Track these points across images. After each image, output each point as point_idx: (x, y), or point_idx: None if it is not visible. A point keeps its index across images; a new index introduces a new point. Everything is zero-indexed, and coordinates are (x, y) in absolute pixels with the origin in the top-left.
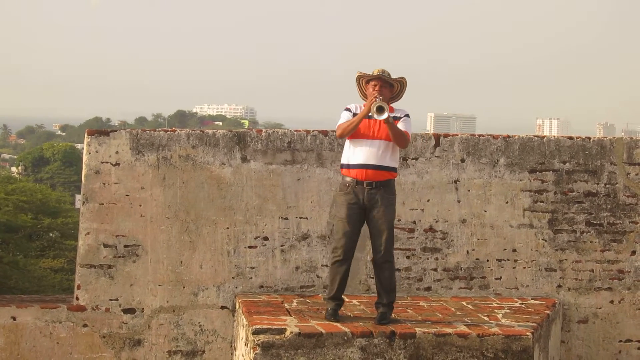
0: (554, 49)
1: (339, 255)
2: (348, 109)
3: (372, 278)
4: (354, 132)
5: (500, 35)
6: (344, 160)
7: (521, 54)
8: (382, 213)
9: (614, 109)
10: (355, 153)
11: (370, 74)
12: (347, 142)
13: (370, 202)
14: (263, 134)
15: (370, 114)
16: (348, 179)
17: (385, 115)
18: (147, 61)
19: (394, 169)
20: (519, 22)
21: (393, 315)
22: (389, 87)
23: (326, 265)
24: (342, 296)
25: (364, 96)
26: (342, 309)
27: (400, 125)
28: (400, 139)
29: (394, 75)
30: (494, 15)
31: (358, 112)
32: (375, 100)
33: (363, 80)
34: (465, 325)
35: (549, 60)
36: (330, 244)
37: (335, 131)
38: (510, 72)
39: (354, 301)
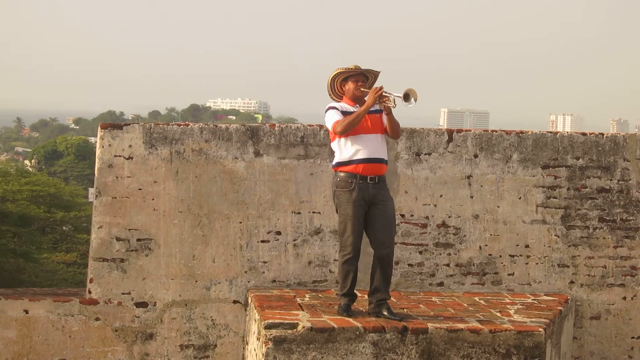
0: (568, 43)
1: (349, 253)
2: (334, 108)
3: None
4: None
5: (513, 30)
6: (344, 157)
7: (535, 49)
8: (387, 206)
9: (627, 105)
10: (356, 149)
11: (349, 69)
12: (342, 140)
13: (375, 197)
14: (276, 128)
15: (377, 107)
16: (350, 174)
17: (412, 102)
18: (161, 55)
19: (387, 163)
20: (533, 14)
21: (405, 310)
22: (365, 82)
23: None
24: (355, 291)
25: (335, 95)
26: (354, 304)
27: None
28: (398, 131)
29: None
30: (506, 5)
31: (345, 110)
32: (382, 91)
33: (339, 79)
34: (477, 321)
35: (563, 55)
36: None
37: (332, 128)
38: (524, 68)
39: (365, 296)
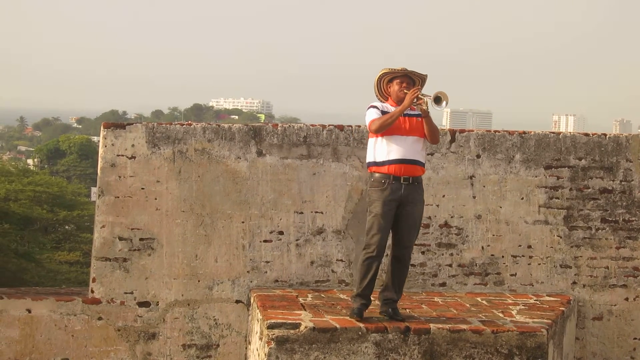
0: (571, 43)
1: (372, 252)
2: (374, 107)
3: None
4: (388, 129)
5: (517, 29)
6: (378, 156)
7: (537, 48)
8: (416, 209)
9: (631, 106)
10: (390, 149)
11: (397, 70)
12: (377, 139)
13: (407, 198)
14: (279, 128)
15: (414, 108)
16: (383, 175)
17: (444, 105)
18: (164, 54)
19: (424, 165)
20: (537, 12)
21: (407, 310)
22: (412, 85)
23: (341, 260)
24: (370, 297)
25: (382, 96)
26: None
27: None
28: (437, 135)
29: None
30: (510, 5)
31: (386, 110)
32: (418, 94)
33: (385, 79)
34: (479, 321)
35: (566, 55)
36: (359, 240)
37: (368, 126)
38: (526, 68)
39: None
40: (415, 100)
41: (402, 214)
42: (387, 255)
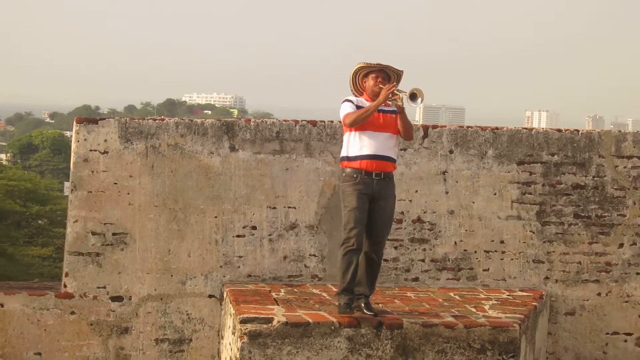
0: (542, 39)
1: (352, 245)
2: (349, 100)
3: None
4: (362, 124)
5: (490, 26)
6: (351, 151)
7: (511, 45)
8: (388, 204)
9: (603, 102)
10: (363, 144)
11: (373, 64)
12: (352, 134)
13: (378, 193)
14: (252, 123)
15: (389, 104)
16: (355, 169)
17: (419, 102)
18: (136, 49)
19: (396, 161)
20: (507, 12)
21: (380, 305)
22: (388, 80)
23: (314, 255)
24: (354, 290)
25: (357, 90)
26: (328, 297)
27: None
28: (411, 132)
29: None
30: (483, 4)
31: (360, 104)
32: (393, 89)
33: (361, 74)
34: (452, 316)
35: (539, 51)
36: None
37: (342, 120)
38: (500, 64)
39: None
40: (390, 95)
41: (375, 209)
42: None
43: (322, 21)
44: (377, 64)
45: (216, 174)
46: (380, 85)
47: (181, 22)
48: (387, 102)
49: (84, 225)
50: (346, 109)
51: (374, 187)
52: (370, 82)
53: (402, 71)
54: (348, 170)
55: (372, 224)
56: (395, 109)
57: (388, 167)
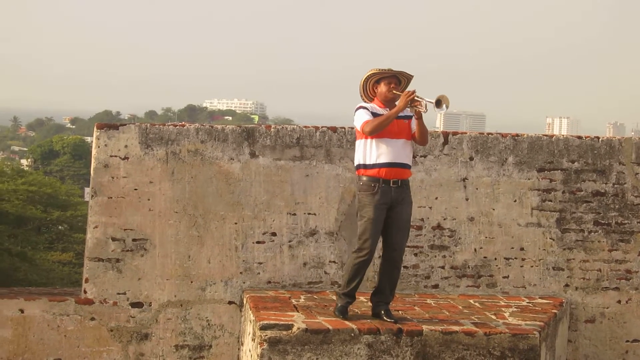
0: (564, 45)
1: (364, 256)
2: (364, 108)
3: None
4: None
5: (511, 32)
6: (368, 159)
7: (532, 50)
8: (405, 211)
9: (624, 109)
10: (380, 152)
11: (383, 70)
12: (366, 141)
13: (396, 200)
14: (272, 129)
15: (407, 112)
16: (373, 178)
17: (444, 108)
18: (158, 55)
19: (411, 167)
20: (529, 14)
21: (400, 312)
22: (399, 86)
23: (334, 262)
24: (355, 295)
25: (367, 97)
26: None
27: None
28: (426, 137)
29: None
30: (503, 7)
31: (375, 111)
32: (414, 96)
33: (372, 80)
34: (472, 323)
35: (560, 58)
36: (352, 243)
37: (360, 128)
38: (521, 70)
39: (361, 298)
40: (410, 102)
41: (392, 217)
42: (378, 257)
43: (339, 26)
44: (389, 70)
45: (236, 180)
46: (395, 92)
47: (203, 29)
48: (407, 108)
49: (104, 231)
50: (363, 116)
51: (392, 195)
52: (383, 88)
53: (412, 76)
54: (365, 178)
55: (390, 231)
56: (410, 114)
57: (405, 174)
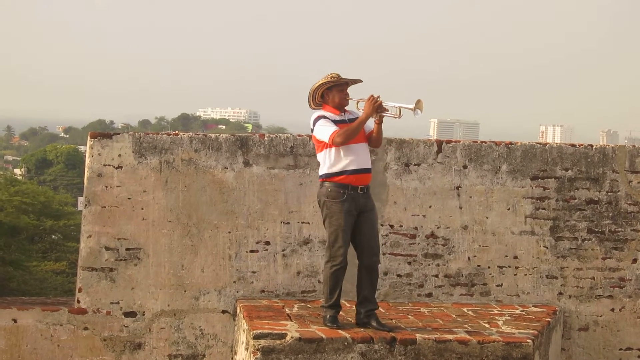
0: (558, 54)
1: (339, 264)
2: (325, 117)
3: None
4: None
5: (504, 41)
6: (335, 167)
7: (525, 59)
8: (374, 215)
9: (618, 117)
10: (348, 159)
11: (332, 76)
12: (332, 150)
13: (365, 206)
14: (266, 138)
15: (373, 116)
16: (342, 185)
17: (418, 113)
18: (151, 64)
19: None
20: (522, 26)
21: (394, 321)
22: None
23: None
24: (340, 302)
25: (314, 104)
26: (341, 313)
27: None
28: (381, 140)
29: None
30: (497, 19)
31: (333, 119)
32: (380, 102)
33: (323, 88)
34: (465, 331)
35: (553, 66)
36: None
37: (329, 139)
38: (514, 79)
39: (354, 307)
40: (376, 109)
41: (362, 222)
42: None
43: (333, 34)
44: (336, 75)
45: (230, 189)
46: (357, 99)
47: (198, 38)
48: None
49: (98, 240)
50: (330, 127)
51: (360, 201)
52: (336, 95)
53: (361, 80)
54: (332, 185)
55: (364, 238)
56: (377, 120)
57: (370, 179)
